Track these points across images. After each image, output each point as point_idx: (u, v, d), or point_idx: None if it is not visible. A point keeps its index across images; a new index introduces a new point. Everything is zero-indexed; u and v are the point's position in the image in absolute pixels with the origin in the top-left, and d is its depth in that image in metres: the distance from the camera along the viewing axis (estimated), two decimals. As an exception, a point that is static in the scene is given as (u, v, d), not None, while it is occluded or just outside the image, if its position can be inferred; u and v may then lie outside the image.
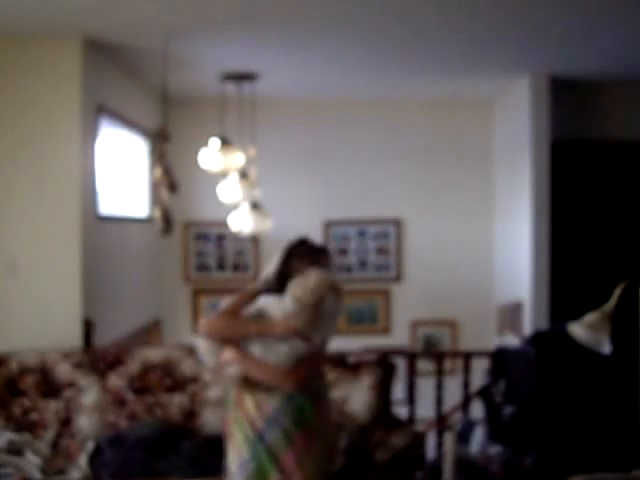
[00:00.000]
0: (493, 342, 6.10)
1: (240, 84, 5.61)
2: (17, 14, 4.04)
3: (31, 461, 3.67)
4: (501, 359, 4.39)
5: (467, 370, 5.25)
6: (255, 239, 6.54)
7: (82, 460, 3.76)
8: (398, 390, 4.69)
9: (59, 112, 4.46)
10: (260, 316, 2.73)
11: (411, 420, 5.00)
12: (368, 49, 5.01)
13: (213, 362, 2.82)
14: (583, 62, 5.37)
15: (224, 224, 5.93)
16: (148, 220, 5.89)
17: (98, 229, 4.78)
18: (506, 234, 6.44)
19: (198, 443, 3.89)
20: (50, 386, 4.12)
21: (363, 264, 6.89)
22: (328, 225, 6.82)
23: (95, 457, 3.77)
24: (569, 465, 3.46)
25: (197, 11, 4.07)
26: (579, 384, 3.78)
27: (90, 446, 3.83)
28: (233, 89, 5.65)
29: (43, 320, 4.44)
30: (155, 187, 5.02)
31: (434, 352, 6.34)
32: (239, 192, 5.54)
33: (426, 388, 5.30)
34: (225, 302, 2.80)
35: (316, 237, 5.69)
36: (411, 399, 5.18)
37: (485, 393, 4.52)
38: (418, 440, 3.93)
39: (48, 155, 4.47)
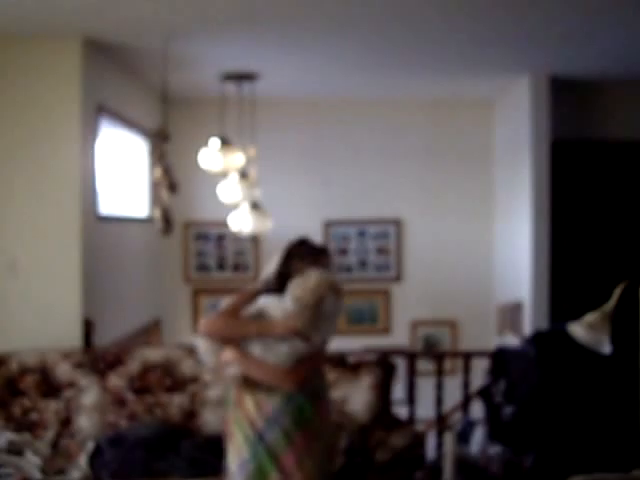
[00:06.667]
0: (493, 342, 6.10)
1: (240, 84, 5.61)
2: (17, 14, 4.04)
3: (31, 461, 3.67)
4: (501, 359, 4.39)
5: (467, 370, 5.25)
6: (255, 239, 6.53)
7: (82, 460, 3.76)
8: (398, 390, 4.69)
9: (59, 112, 4.46)
10: (260, 316, 2.73)
11: (411, 420, 5.00)
12: (368, 49, 5.01)
13: (213, 362, 2.82)
14: (583, 62, 5.37)
15: (224, 224, 5.93)
16: (148, 220, 5.89)
17: (98, 229, 4.78)
18: (506, 234, 6.44)
19: (198, 443, 3.88)
20: (50, 386, 4.12)
21: (363, 264, 6.89)
22: (328, 225, 6.82)
23: (95, 457, 3.77)
24: (569, 465, 3.46)
25: (197, 11, 4.07)
26: (579, 384, 3.77)
27: (90, 446, 3.83)
28: (233, 89, 5.65)
29: (43, 320, 4.44)
30: (155, 187, 5.02)
31: (434, 352, 6.33)
32: (239, 192, 5.54)
33: (426, 388, 5.30)
34: (225, 302, 2.80)
35: (316, 237, 5.70)
36: (411, 399, 5.19)
37: (485, 393, 4.52)
38: (418, 440, 3.93)
39: (48, 155, 4.47)
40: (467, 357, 5.32)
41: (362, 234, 6.88)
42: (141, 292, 6.06)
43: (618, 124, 6.00)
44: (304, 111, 6.77)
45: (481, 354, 5.24)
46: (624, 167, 5.99)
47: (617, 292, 2.98)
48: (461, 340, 6.77)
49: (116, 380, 4.14)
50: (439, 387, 5.22)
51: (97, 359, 4.20)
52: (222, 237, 6.73)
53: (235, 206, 5.69)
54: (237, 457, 2.74)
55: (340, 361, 4.14)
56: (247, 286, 2.93)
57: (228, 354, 2.72)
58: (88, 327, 4.53)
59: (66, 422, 4.05)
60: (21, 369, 4.13)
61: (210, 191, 5.83)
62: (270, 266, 2.87)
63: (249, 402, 2.73)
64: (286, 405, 2.69)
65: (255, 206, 5.64)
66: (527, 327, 5.64)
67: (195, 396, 4.14)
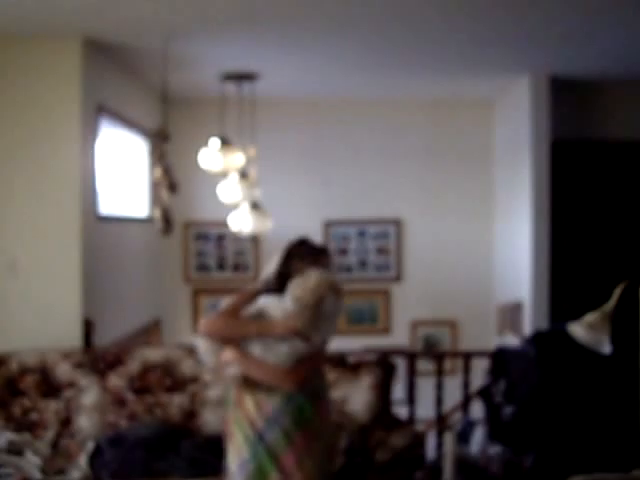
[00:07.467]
0: (493, 342, 6.10)
1: (240, 84, 5.61)
2: (17, 14, 4.04)
3: (31, 461, 3.67)
4: (501, 359, 4.39)
5: (467, 370, 5.25)
6: (255, 239, 6.54)
7: (82, 460, 3.76)
8: (398, 390, 4.69)
9: (59, 112, 4.46)
10: (260, 316, 2.73)
11: (411, 420, 5.00)
12: (368, 49, 5.01)
13: (213, 362, 2.82)
14: (583, 62, 5.37)
15: (224, 224, 5.93)
16: (148, 220, 5.89)
17: (98, 229, 4.78)
18: (506, 234, 6.44)
19: (198, 443, 3.88)
20: (50, 386, 4.12)
21: (363, 264, 6.89)
22: (328, 225, 6.82)
23: (95, 457, 3.77)
24: (569, 465, 3.46)
25: (197, 11, 4.07)
26: (579, 384, 3.77)
27: (90, 446, 3.83)
28: (233, 89, 5.65)
29: (43, 320, 4.44)
30: (155, 187, 5.02)
31: (434, 352, 6.34)
32: (239, 192, 5.54)
33: (426, 388, 5.30)
34: (225, 302, 2.80)
35: (316, 237, 5.70)
36: (411, 399, 5.18)
37: (485, 393, 4.52)
38: (418, 440, 3.93)
39: (48, 155, 4.47)
40: (467, 357, 5.32)
41: (362, 234, 6.88)
42: (141, 292, 6.06)
43: (618, 124, 6.00)
44: (304, 111, 6.77)
45: (481, 354, 5.24)
46: (624, 167, 5.99)
47: (617, 292, 2.99)
48: (461, 340, 6.77)
49: (116, 380, 4.14)
50: (439, 387, 5.22)
51: (97, 359, 4.20)
52: (222, 237, 6.73)
53: (235, 206, 5.69)
54: (237, 457, 2.74)
55: (340, 361, 4.14)
56: (247, 286, 2.93)
57: (228, 354, 2.72)
58: (88, 327, 4.53)
59: (66, 422, 4.05)
60: (21, 369, 4.13)
61: (210, 191, 5.83)
62: (270, 266, 2.87)
63: (249, 402, 2.73)
64: (286, 405, 2.69)
65: (255, 206, 5.64)
66: (527, 327, 5.64)
67: (195, 396, 4.14)
